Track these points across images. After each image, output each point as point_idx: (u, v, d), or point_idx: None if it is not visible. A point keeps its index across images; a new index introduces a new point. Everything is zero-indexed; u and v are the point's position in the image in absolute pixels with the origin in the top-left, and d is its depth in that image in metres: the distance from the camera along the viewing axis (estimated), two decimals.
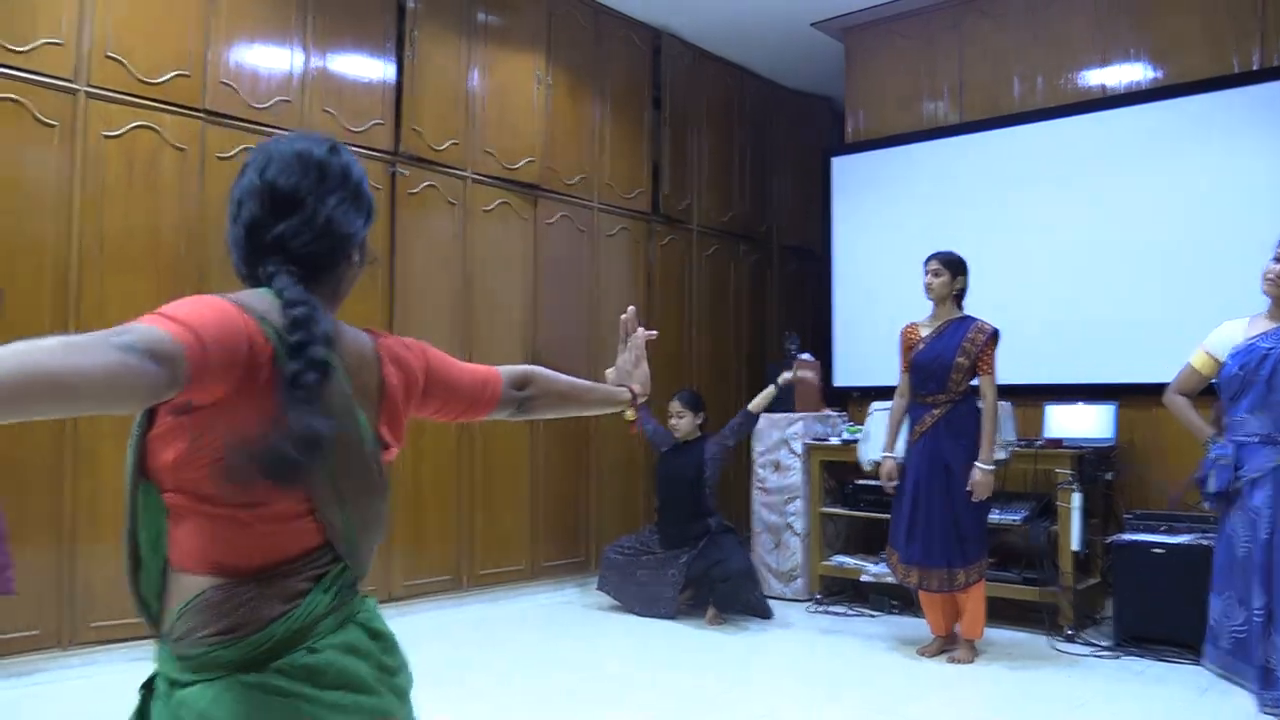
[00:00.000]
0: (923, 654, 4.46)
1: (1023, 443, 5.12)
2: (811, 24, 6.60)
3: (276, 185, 1.33)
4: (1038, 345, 5.46)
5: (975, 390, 4.34)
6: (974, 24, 6.08)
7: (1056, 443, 5.10)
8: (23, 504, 3.80)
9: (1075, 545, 4.75)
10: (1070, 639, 4.69)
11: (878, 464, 4.75)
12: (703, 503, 5.23)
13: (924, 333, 4.45)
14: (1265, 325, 3.44)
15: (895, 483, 4.48)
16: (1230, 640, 3.38)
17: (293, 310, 1.23)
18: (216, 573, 1.22)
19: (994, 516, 4.94)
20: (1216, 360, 3.55)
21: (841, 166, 6.61)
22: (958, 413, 4.34)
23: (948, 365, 4.31)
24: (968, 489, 4.24)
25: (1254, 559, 3.28)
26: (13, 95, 3.93)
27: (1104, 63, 5.60)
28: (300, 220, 1.32)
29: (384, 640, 1.36)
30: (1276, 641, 3.21)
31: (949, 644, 4.49)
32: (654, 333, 2.01)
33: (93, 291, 4.11)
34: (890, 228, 6.23)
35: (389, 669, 1.35)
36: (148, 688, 1.27)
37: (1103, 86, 5.60)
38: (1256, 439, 3.37)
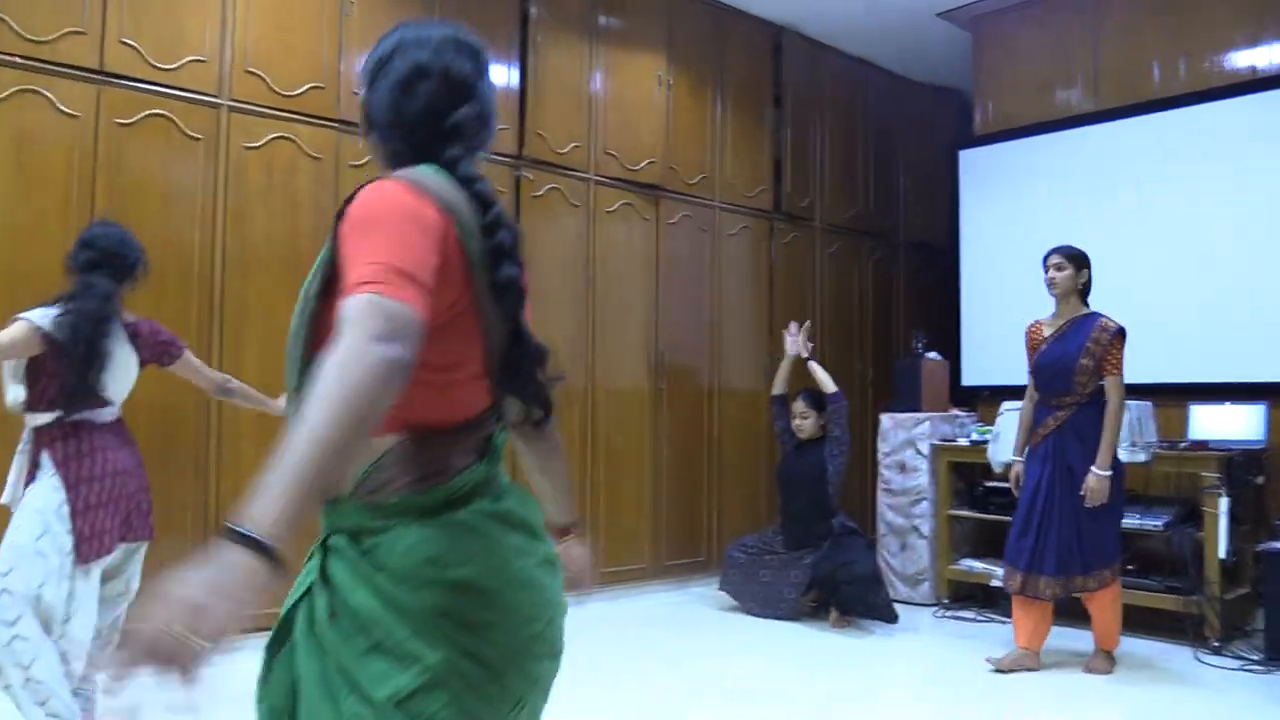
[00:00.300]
0: (998, 665, 4.18)
1: (1165, 444, 4.90)
2: (937, 14, 6.44)
3: (451, 69, 1.36)
4: (1181, 342, 5.21)
5: (1103, 391, 4.13)
6: (1110, 6, 5.84)
7: (1202, 445, 4.86)
8: (170, 496, 4.02)
9: (1222, 553, 4.51)
10: (1216, 651, 4.46)
11: (1009, 466, 4.59)
12: (826, 503, 5.16)
13: (1046, 332, 4.29)
14: None
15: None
16: None
17: (494, 209, 1.31)
18: (404, 430, 1.28)
19: (1134, 521, 4.74)
20: None
21: (970, 159, 6.44)
22: (1084, 416, 4.13)
23: (1071, 366, 4.13)
24: (1081, 493, 4.07)
25: None
26: (163, 111, 4.16)
27: (1253, 42, 5.30)
28: (473, 110, 1.37)
29: (532, 500, 1.45)
30: None
31: (1029, 662, 4.21)
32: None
33: (234, 294, 4.31)
34: (1021, 221, 6.03)
35: (542, 524, 1.44)
36: (323, 548, 1.31)
37: (1253, 68, 5.30)
38: None
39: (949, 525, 5.58)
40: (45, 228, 3.86)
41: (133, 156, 4.08)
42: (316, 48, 4.59)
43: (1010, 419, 4.86)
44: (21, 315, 2.90)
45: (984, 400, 6.09)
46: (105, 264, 3.03)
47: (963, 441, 5.59)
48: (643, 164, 5.86)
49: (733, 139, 6.39)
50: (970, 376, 6.29)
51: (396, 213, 1.19)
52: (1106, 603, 4.17)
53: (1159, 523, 4.79)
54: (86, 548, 2.95)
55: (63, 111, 3.92)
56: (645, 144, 5.88)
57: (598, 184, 5.67)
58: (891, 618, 4.95)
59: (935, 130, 7.62)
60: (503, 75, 5.25)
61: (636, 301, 5.84)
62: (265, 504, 0.96)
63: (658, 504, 5.89)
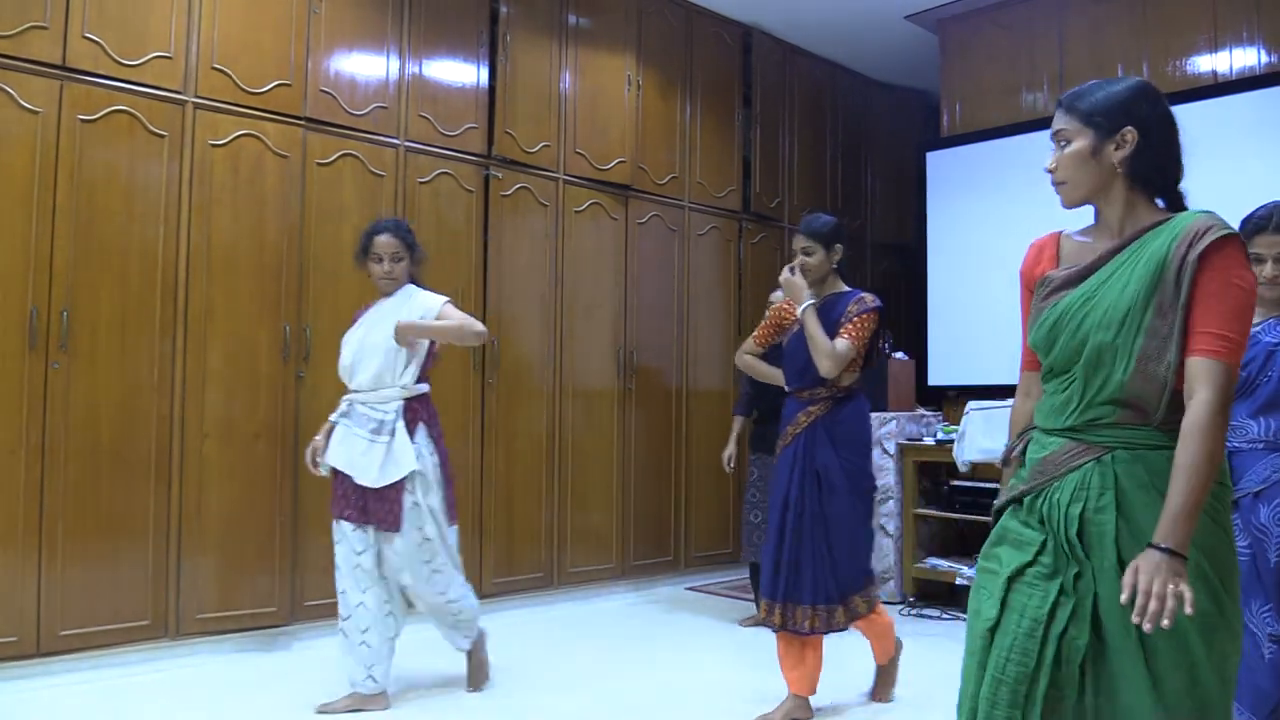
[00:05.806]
0: None
1: None
2: (905, 16, 6.50)
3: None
4: None
5: (858, 386, 3.66)
6: (1075, 10, 5.91)
7: None
8: (131, 498, 3.97)
9: None
10: None
11: (974, 465, 4.62)
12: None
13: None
14: (1259, 316, 2.89)
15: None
16: None
17: None
18: None
19: None
20: None
21: (937, 161, 6.49)
22: (839, 415, 3.59)
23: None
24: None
25: (1265, 582, 2.78)
26: (127, 108, 4.11)
27: (1214, 47, 5.39)
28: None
29: None
30: None
31: (801, 713, 3.65)
32: None
33: (199, 292, 4.26)
34: (987, 223, 6.10)
35: None
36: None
37: (1214, 72, 5.39)
38: (1261, 445, 2.89)
39: (915, 524, 5.62)
40: (6, 224, 3.81)
41: (96, 153, 4.03)
42: (283, 45, 4.55)
43: (976, 418, 4.90)
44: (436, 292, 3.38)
45: (950, 400, 6.15)
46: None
47: (929, 441, 5.63)
48: (612, 164, 5.86)
49: (702, 139, 6.41)
50: (936, 376, 6.34)
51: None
52: (880, 624, 3.77)
53: None
54: (453, 512, 3.54)
55: (24, 107, 3.86)
56: (614, 144, 5.88)
57: (567, 183, 5.66)
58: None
59: (903, 132, 7.68)
60: (472, 74, 5.24)
61: (605, 301, 5.84)
62: None
63: (626, 504, 5.89)
